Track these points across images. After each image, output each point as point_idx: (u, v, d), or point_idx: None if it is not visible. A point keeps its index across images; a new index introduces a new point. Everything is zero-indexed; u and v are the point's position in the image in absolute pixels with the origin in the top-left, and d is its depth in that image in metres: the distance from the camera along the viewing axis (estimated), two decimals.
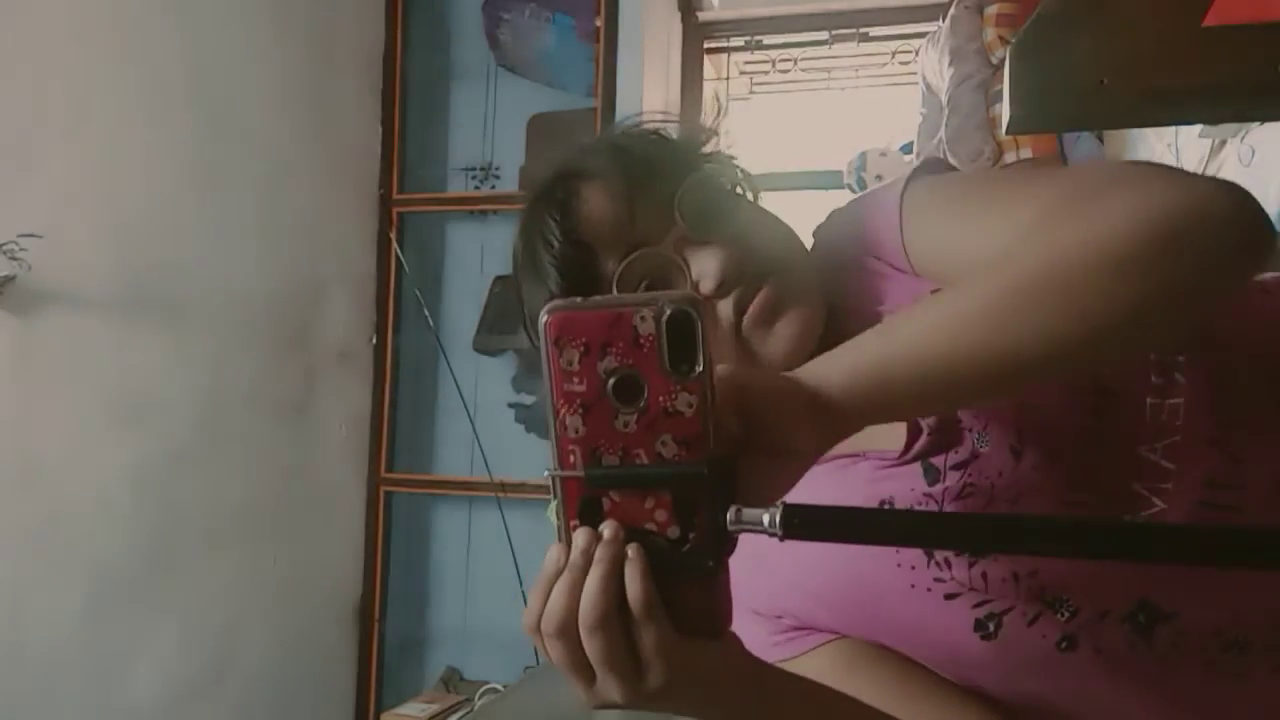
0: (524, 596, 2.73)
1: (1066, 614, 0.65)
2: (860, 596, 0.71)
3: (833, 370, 0.53)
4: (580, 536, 0.51)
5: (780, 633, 0.75)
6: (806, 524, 0.49)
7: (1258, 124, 1.78)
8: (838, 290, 0.80)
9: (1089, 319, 0.53)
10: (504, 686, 2.79)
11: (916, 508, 0.70)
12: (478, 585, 3.10)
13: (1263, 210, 0.57)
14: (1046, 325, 0.53)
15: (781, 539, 0.49)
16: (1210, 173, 2.03)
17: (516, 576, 2.83)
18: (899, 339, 0.54)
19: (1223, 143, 1.96)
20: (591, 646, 0.50)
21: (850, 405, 0.52)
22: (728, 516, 0.50)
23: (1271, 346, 0.65)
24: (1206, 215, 0.55)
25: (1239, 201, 0.56)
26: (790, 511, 0.49)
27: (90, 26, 2.17)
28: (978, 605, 0.66)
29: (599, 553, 0.50)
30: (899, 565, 0.69)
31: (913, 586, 0.69)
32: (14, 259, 1.94)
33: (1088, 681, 0.66)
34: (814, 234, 0.86)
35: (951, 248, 0.71)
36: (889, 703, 0.67)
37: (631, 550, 0.50)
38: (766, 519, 0.49)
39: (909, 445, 0.71)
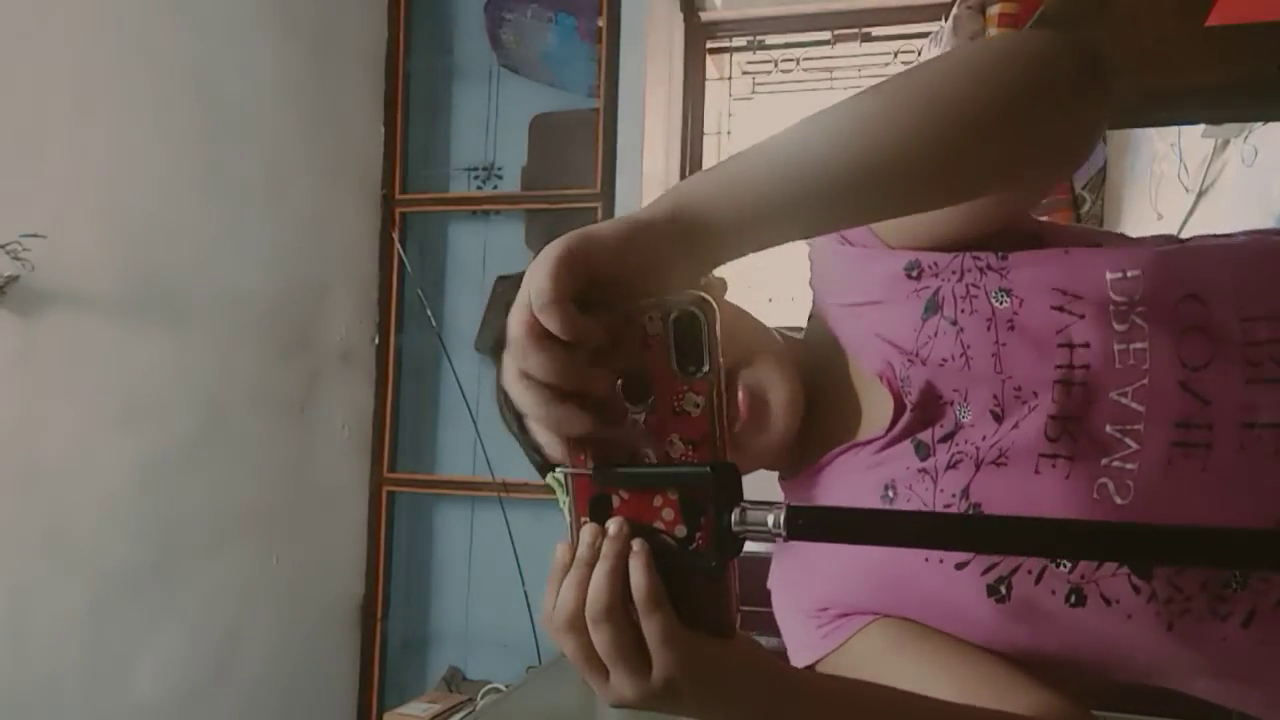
0: (526, 596, 2.74)
1: (1067, 564, 0.67)
2: (885, 578, 0.73)
3: (693, 200, 0.54)
4: (587, 532, 0.52)
5: (826, 624, 0.77)
6: (810, 525, 0.49)
7: (1261, 124, 1.78)
8: (820, 290, 0.82)
9: (946, 118, 0.55)
10: (506, 686, 2.80)
11: (914, 484, 0.72)
12: (480, 585, 3.11)
13: (1101, 60, 0.59)
14: (903, 128, 0.55)
15: (785, 539, 0.49)
16: (1213, 173, 2.03)
17: (519, 576, 2.83)
18: (756, 157, 0.56)
19: (1226, 143, 1.96)
20: (599, 638, 0.51)
21: (714, 228, 0.53)
22: (732, 517, 0.50)
23: (1232, 291, 0.67)
24: (1043, 40, 0.59)
25: (1072, 43, 0.59)
26: (794, 513, 0.49)
27: (94, 27, 2.17)
28: (986, 571, 0.68)
29: (605, 548, 0.51)
30: None
31: (925, 560, 0.70)
32: (17, 259, 1.95)
33: (1106, 637, 0.67)
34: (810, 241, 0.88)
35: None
36: (932, 673, 0.69)
37: (636, 544, 0.51)
38: (771, 520, 0.49)
39: (894, 423, 0.73)
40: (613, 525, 0.51)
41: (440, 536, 3.21)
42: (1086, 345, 0.67)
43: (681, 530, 0.51)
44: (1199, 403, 0.65)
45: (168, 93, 2.36)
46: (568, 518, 0.53)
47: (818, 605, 0.78)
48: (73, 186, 2.13)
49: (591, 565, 0.51)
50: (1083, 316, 0.68)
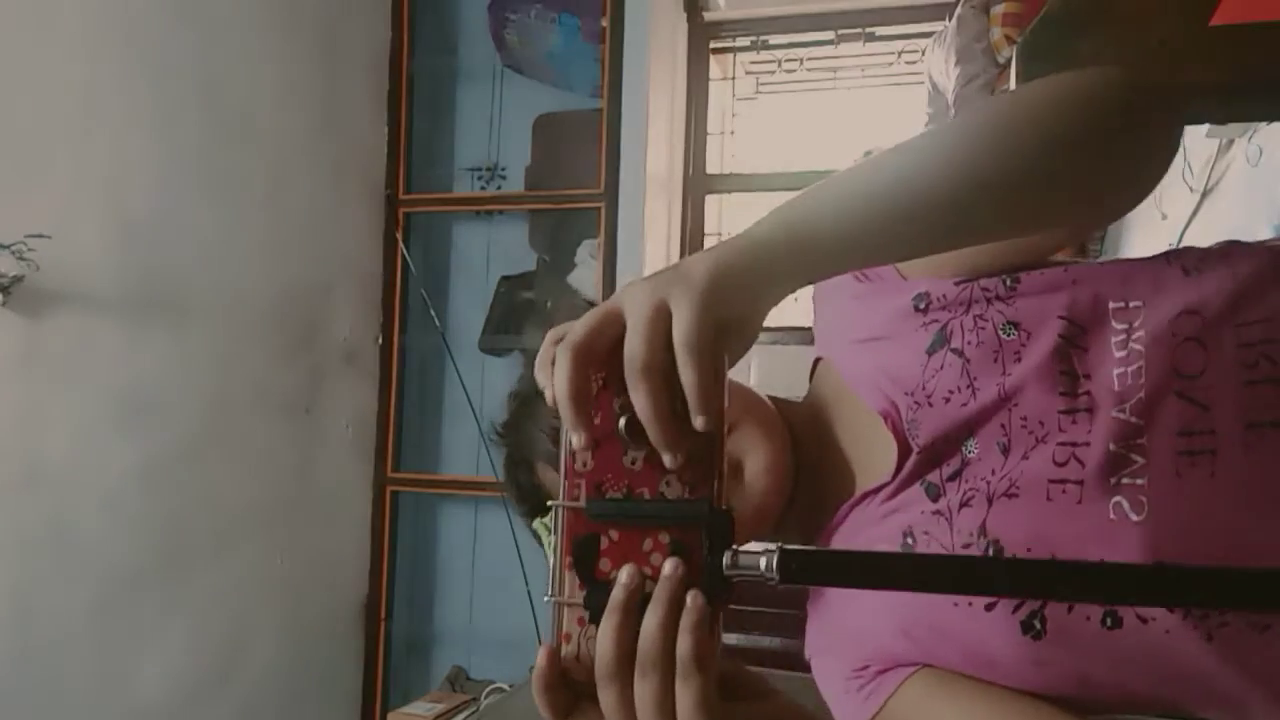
0: (530, 596, 2.74)
1: None
2: (919, 627, 0.72)
3: (806, 217, 0.57)
4: (625, 575, 0.50)
5: (868, 682, 0.76)
6: (803, 568, 0.48)
7: (1265, 123, 1.77)
8: (832, 332, 0.83)
9: (1037, 148, 0.59)
10: (509, 686, 2.80)
11: (931, 528, 0.71)
12: (484, 585, 3.11)
13: (1175, 101, 0.63)
14: (1005, 154, 0.59)
15: (778, 584, 0.48)
16: (1218, 173, 2.03)
17: (522, 576, 2.83)
18: (855, 180, 0.59)
19: (1230, 142, 1.95)
20: (640, 691, 0.50)
21: (824, 244, 0.56)
22: (724, 560, 0.49)
23: (1229, 303, 0.68)
24: (1118, 79, 0.63)
25: (1145, 84, 0.63)
26: (787, 556, 0.48)
27: (99, 29, 2.18)
28: (1016, 609, 0.68)
29: (661, 592, 0.50)
30: None
31: (955, 605, 0.70)
32: (22, 259, 1.95)
33: (1149, 658, 0.66)
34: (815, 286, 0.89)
35: None
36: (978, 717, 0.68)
37: (693, 599, 0.49)
38: (763, 563, 0.48)
39: (900, 466, 0.73)
40: (669, 565, 0.49)
41: (444, 536, 3.22)
42: (1088, 376, 0.68)
43: None
44: (1198, 409, 0.65)
45: (172, 94, 2.37)
46: (551, 560, 0.51)
47: (856, 666, 0.77)
48: (77, 187, 2.13)
49: (628, 613, 0.50)
50: (1086, 349, 0.69)
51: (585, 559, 0.50)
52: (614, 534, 0.50)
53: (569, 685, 0.51)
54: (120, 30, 2.23)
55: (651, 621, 0.49)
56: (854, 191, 0.58)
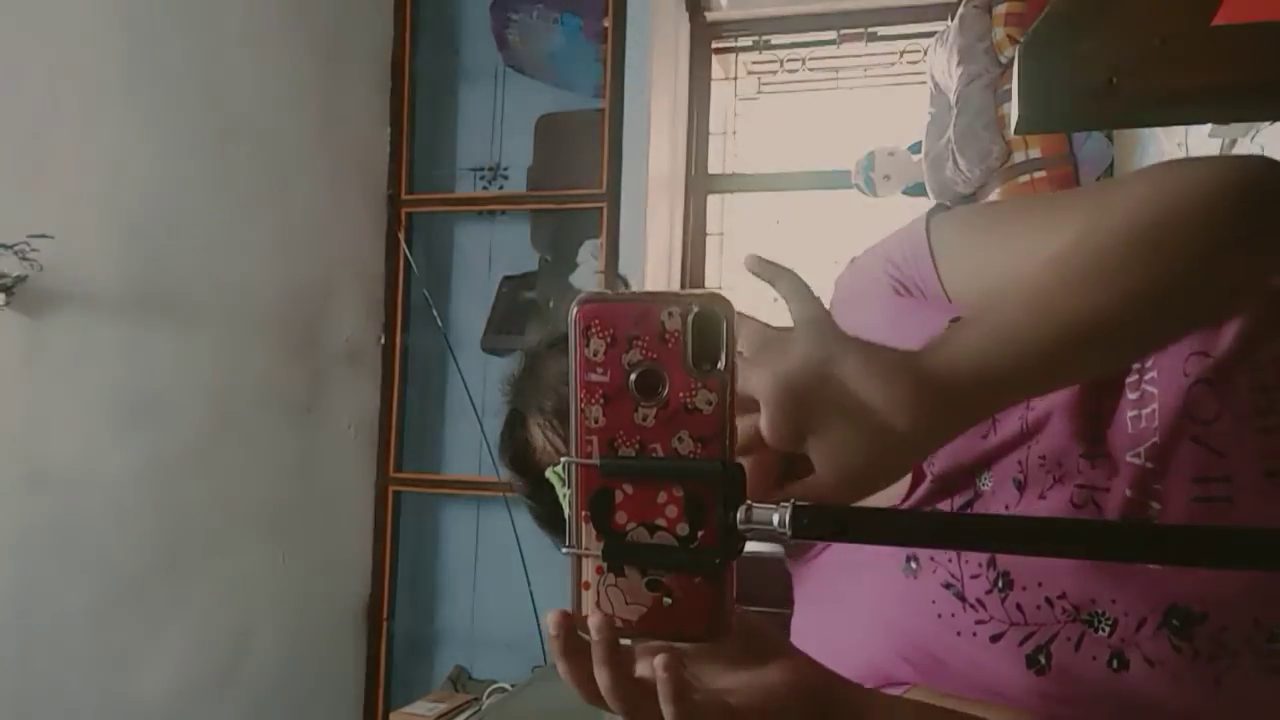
0: (532, 597, 2.74)
1: (1106, 629, 0.66)
2: (919, 654, 0.72)
3: (937, 357, 0.55)
4: (560, 655, 0.52)
5: None
6: (815, 523, 0.49)
7: (1268, 123, 1.77)
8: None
9: (1165, 275, 0.57)
10: (512, 686, 2.80)
11: (937, 554, 0.71)
12: (486, 585, 3.11)
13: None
14: (1125, 285, 0.56)
15: (790, 538, 0.49)
16: None
17: (524, 577, 2.83)
18: (990, 324, 0.56)
19: (1233, 142, 1.95)
20: None
21: (958, 386, 0.54)
22: (738, 515, 0.50)
23: (1238, 340, 0.67)
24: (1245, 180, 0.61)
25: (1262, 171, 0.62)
26: (799, 511, 0.49)
27: (101, 28, 2.18)
28: (1024, 641, 0.67)
29: (610, 687, 0.51)
30: (939, 616, 0.70)
31: (958, 634, 0.69)
32: (25, 259, 1.95)
33: (1155, 700, 0.66)
34: (835, 283, 0.87)
35: (996, 269, 0.73)
36: None
37: (665, 673, 0.50)
38: (776, 518, 0.50)
39: (910, 491, 0.72)
40: (603, 680, 0.51)
41: (446, 536, 3.22)
42: (1107, 421, 0.68)
43: (684, 528, 0.51)
44: (1214, 455, 0.64)
45: (175, 93, 2.37)
46: (567, 511, 0.52)
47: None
48: (80, 187, 2.13)
49: (567, 659, 0.51)
50: (1107, 392, 0.68)
51: (601, 512, 0.52)
52: (628, 488, 0.51)
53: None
54: (123, 30, 2.23)
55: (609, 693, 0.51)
56: (1014, 317, 0.57)
